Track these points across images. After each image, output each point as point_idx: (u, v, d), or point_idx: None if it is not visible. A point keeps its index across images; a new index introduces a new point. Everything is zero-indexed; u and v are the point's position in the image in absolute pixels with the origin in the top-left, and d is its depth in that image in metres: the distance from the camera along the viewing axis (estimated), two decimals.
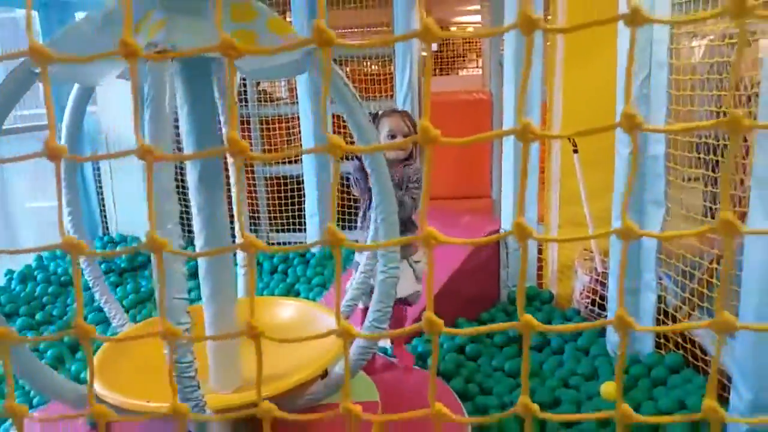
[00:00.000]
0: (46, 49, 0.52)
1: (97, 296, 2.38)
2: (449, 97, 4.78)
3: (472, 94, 5.09)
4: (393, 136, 2.42)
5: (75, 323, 0.60)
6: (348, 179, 4.33)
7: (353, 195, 4.15)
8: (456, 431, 2.10)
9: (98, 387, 1.79)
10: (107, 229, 4.80)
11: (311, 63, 1.81)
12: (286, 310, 2.41)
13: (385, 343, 2.65)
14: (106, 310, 2.41)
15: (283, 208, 4.61)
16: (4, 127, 1.72)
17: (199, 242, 2.00)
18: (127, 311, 3.38)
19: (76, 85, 2.09)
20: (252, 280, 0.63)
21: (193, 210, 1.95)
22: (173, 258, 1.44)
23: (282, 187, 4.60)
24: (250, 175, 4.65)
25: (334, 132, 4.25)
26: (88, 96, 2.15)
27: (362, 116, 1.85)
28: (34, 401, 2.49)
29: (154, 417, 1.68)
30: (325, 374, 1.96)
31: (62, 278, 3.91)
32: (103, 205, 4.90)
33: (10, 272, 3.94)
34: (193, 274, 3.24)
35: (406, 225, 2.36)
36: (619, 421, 0.58)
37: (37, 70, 1.64)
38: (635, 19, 0.49)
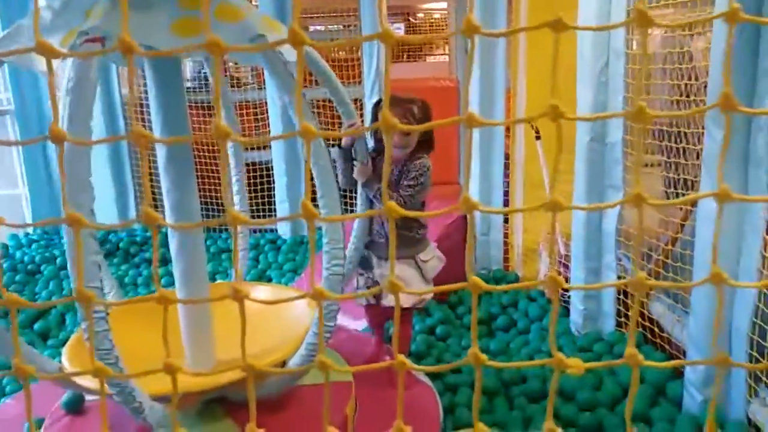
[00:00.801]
0: (53, 46, 0.56)
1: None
2: (417, 84, 4.81)
3: (439, 81, 5.14)
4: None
5: (77, 290, 0.63)
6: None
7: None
8: (430, 412, 2.18)
9: (71, 370, 1.81)
10: None
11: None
12: (260, 294, 2.45)
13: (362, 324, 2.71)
14: (105, 284, 2.43)
15: (252, 194, 4.61)
16: None
17: (171, 220, 2.02)
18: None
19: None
20: (236, 254, 0.66)
21: (163, 192, 1.97)
22: (89, 250, 1.48)
23: (251, 174, 4.59)
24: (215, 162, 4.63)
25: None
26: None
27: (346, 95, 1.93)
28: (7, 388, 2.47)
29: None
30: (283, 365, 1.97)
31: (29, 266, 3.86)
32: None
33: None
34: (166, 261, 3.25)
35: (404, 224, 2.22)
36: (556, 368, 0.64)
37: None
38: (557, 26, 0.55)
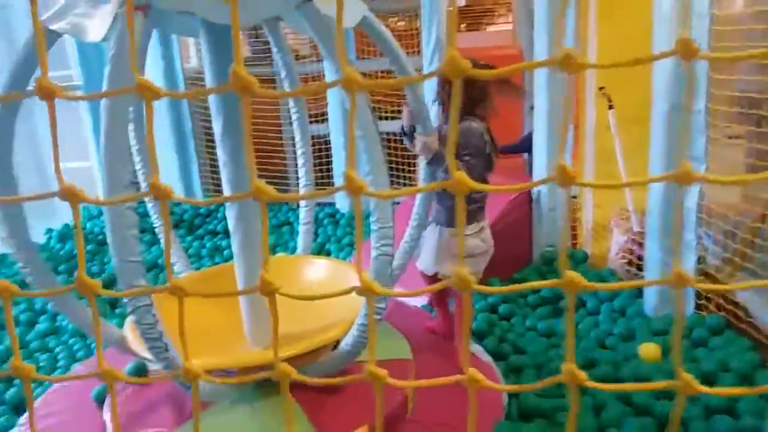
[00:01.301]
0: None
1: (162, 241, 2.45)
2: (478, 54, 4.64)
3: (501, 49, 4.94)
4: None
5: (77, 278, 0.58)
6: (390, 138, 4.28)
7: (399, 152, 4.11)
8: (493, 394, 2.10)
9: (133, 343, 1.82)
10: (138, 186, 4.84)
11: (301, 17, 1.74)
12: (316, 269, 2.42)
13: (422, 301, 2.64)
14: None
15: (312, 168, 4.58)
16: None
17: (228, 193, 2.00)
18: (162, 270, 3.43)
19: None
20: (265, 231, 0.59)
21: (220, 164, 1.95)
22: (127, 223, 1.44)
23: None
24: (277, 135, 4.63)
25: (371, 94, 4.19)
26: None
27: (407, 63, 1.84)
28: (78, 354, 2.55)
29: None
30: (336, 345, 1.93)
31: (99, 237, 3.98)
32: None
33: (49, 231, 4.02)
34: (226, 233, 3.27)
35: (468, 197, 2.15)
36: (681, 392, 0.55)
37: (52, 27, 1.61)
38: None
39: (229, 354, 1.98)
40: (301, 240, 2.64)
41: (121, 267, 1.46)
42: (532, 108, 3.85)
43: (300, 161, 2.66)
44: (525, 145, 3.79)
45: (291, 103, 2.64)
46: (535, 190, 3.30)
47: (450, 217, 2.20)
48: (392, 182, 4.12)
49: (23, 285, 2.73)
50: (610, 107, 3.00)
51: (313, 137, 4.57)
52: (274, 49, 2.49)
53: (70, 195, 0.52)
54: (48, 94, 0.50)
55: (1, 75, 1.84)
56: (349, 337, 1.77)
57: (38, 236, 4.01)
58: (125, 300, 1.50)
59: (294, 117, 2.63)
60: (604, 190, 3.15)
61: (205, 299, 2.15)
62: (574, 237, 3.29)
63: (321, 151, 4.47)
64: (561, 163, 0.53)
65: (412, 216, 2.32)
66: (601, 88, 3.03)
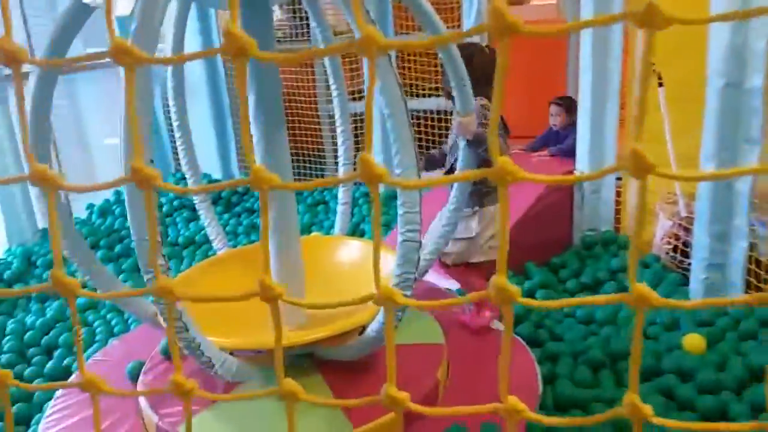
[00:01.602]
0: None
1: (202, 218, 2.51)
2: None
3: (545, 24, 4.77)
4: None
5: (52, 275, 0.55)
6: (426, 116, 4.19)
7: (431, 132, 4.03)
8: (527, 381, 2.04)
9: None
10: (179, 165, 4.90)
11: None
12: (350, 250, 2.38)
13: (450, 284, 2.59)
14: (208, 232, 2.53)
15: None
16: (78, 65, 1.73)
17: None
18: (199, 246, 3.47)
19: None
20: (264, 225, 0.55)
21: (253, 141, 1.92)
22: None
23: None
24: (313, 113, 4.59)
25: (399, 70, 4.11)
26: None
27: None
28: (116, 329, 2.60)
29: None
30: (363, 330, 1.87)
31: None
32: (174, 144, 4.98)
33: (90, 206, 4.11)
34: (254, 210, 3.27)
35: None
36: None
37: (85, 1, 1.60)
38: None
39: (260, 332, 1.97)
40: (339, 220, 2.61)
41: (139, 245, 1.48)
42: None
43: (339, 140, 2.61)
44: (548, 141, 3.72)
45: (331, 80, 2.59)
46: (577, 170, 3.18)
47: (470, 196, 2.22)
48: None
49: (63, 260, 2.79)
50: (660, 84, 2.84)
51: (353, 114, 4.54)
52: (313, 24, 2.44)
53: (41, 180, 0.48)
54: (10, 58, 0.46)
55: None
56: (375, 323, 1.73)
57: (80, 211, 4.10)
58: (146, 278, 1.49)
59: (334, 94, 2.58)
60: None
61: (242, 274, 2.15)
62: (618, 221, 3.17)
63: (358, 129, 4.42)
64: (636, 149, 0.45)
65: (450, 199, 2.26)
66: (650, 65, 2.87)
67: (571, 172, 3.17)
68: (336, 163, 4.60)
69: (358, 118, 4.39)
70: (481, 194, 2.23)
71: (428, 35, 2.06)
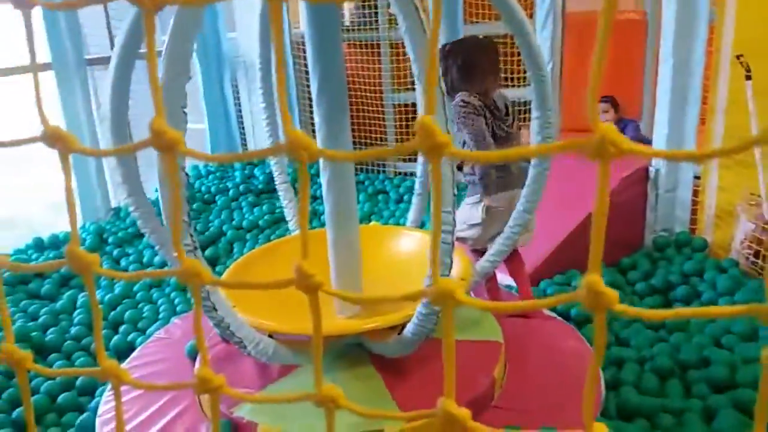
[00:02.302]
0: None
1: (281, 198, 2.53)
2: (593, 18, 4.30)
3: (623, 13, 4.56)
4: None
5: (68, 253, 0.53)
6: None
7: None
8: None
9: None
10: (247, 149, 5.00)
11: None
12: (408, 241, 2.35)
13: (510, 281, 2.51)
14: (285, 212, 2.55)
15: (400, 136, 4.50)
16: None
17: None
18: (262, 231, 3.52)
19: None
20: (304, 198, 0.51)
21: (315, 126, 1.91)
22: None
23: (410, 115, 4.47)
24: (378, 102, 4.57)
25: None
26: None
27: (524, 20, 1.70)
28: (179, 308, 2.67)
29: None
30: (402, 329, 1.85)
31: (206, 196, 4.15)
32: (242, 126, 5.09)
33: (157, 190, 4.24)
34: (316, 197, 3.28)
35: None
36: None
37: None
38: None
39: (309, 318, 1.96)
40: (413, 211, 2.57)
41: (168, 225, 1.51)
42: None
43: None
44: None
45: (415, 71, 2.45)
46: (652, 167, 3.02)
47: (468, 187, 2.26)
48: None
49: (138, 236, 2.87)
50: (748, 78, 2.65)
51: (403, 105, 4.50)
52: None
53: (56, 139, 0.45)
54: None
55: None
56: (411, 325, 1.69)
57: (150, 193, 4.24)
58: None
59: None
60: (733, 172, 2.81)
61: (299, 260, 2.15)
62: (694, 222, 2.99)
63: (409, 120, 4.37)
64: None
65: (517, 204, 2.17)
66: (738, 56, 2.68)
67: (645, 169, 3.01)
68: (398, 157, 4.61)
69: (405, 108, 4.34)
70: (488, 183, 2.16)
71: (503, 22, 1.98)
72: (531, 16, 3.84)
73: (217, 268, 3.08)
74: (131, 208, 1.86)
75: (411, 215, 2.59)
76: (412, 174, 4.45)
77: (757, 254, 2.58)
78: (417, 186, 2.60)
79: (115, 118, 1.79)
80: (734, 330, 2.21)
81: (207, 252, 3.23)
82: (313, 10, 1.80)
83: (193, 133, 5.28)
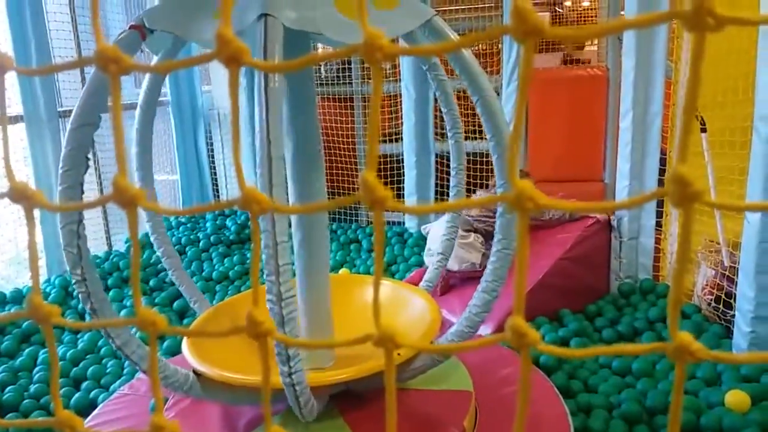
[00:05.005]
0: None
1: (174, 279, 2.36)
2: (562, 73, 4.50)
3: (586, 69, 4.76)
4: None
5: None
6: (440, 158, 4.21)
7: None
8: (558, 428, 1.96)
9: (195, 362, 1.81)
10: (219, 200, 5.00)
11: (428, 33, 1.70)
12: (381, 290, 2.35)
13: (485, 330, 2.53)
14: (185, 294, 2.39)
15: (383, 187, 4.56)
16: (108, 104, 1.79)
17: (294, 216, 1.98)
18: (232, 282, 3.49)
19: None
20: (256, 247, 0.53)
21: (289, 182, 1.93)
22: (71, 218, 1.48)
23: (382, 166, 4.55)
24: (351, 153, 4.65)
25: (435, 112, 4.13)
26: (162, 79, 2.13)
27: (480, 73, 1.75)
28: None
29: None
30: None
31: (176, 247, 4.12)
32: (215, 177, 5.11)
33: (129, 240, 4.20)
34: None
35: None
36: None
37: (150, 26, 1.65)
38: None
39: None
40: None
41: (65, 253, 1.62)
42: None
43: (452, 181, 2.44)
44: None
45: (447, 120, 2.40)
46: (615, 216, 3.11)
47: None
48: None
49: (105, 289, 2.81)
50: (703, 130, 2.78)
51: (385, 156, 4.59)
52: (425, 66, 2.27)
53: (22, 197, 0.46)
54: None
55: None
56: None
57: (120, 245, 4.20)
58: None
59: (449, 134, 2.43)
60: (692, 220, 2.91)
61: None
62: (657, 269, 3.06)
63: (393, 170, 4.45)
64: (680, 172, 0.36)
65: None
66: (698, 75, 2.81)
67: (608, 220, 3.10)
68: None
69: (390, 159, 4.43)
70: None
71: (466, 84, 2.01)
72: (498, 72, 3.99)
73: (185, 320, 3.04)
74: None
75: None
76: (386, 223, 4.51)
77: (717, 299, 2.64)
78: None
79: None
80: (698, 375, 2.25)
81: (176, 303, 3.18)
82: (288, 56, 1.83)
83: (166, 184, 5.29)
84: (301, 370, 1.50)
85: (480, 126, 4.03)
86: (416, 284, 3.09)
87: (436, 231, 2.83)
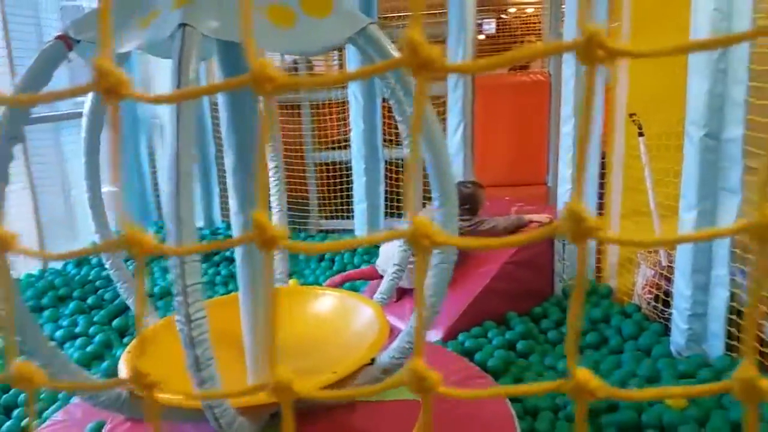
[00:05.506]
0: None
1: (122, 293, 2.32)
2: (506, 79, 4.57)
3: (529, 75, 4.86)
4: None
5: None
6: (391, 164, 4.21)
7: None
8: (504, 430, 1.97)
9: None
10: (161, 214, 4.87)
11: (363, 42, 1.68)
12: (324, 302, 2.32)
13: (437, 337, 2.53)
14: (134, 307, 2.37)
15: (332, 194, 4.54)
16: (48, 114, 1.71)
17: (236, 225, 1.93)
18: (161, 297, 3.39)
19: None
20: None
21: (229, 194, 1.88)
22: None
23: (331, 174, 4.53)
24: (299, 161, 4.60)
25: (383, 119, 4.13)
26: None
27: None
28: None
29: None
30: (371, 362, 1.83)
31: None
32: (158, 189, 4.97)
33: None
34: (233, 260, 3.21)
35: None
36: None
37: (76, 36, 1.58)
38: None
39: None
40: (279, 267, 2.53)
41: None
42: None
43: (273, 189, 2.50)
44: None
45: (402, 129, 2.38)
46: (559, 219, 3.17)
47: None
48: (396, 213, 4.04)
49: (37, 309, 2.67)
50: (640, 135, 2.86)
51: (334, 163, 4.56)
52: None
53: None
54: None
55: None
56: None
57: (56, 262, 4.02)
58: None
59: (269, 144, 2.48)
60: (632, 221, 3.00)
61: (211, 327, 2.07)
62: (599, 270, 3.14)
63: (342, 177, 4.43)
64: (572, 208, 0.38)
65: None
66: (631, 115, 2.90)
67: (551, 221, 3.15)
68: (320, 214, 4.62)
69: (338, 166, 4.42)
70: None
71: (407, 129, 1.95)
72: (443, 78, 4.02)
73: (125, 339, 2.93)
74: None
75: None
76: (335, 231, 4.48)
77: (656, 298, 2.72)
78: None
79: None
80: (639, 373, 2.31)
81: (116, 322, 3.07)
82: (226, 68, 1.77)
83: (105, 195, 5.11)
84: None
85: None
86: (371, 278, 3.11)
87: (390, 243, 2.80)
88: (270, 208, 2.55)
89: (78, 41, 1.55)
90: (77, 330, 3.00)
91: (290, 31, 1.43)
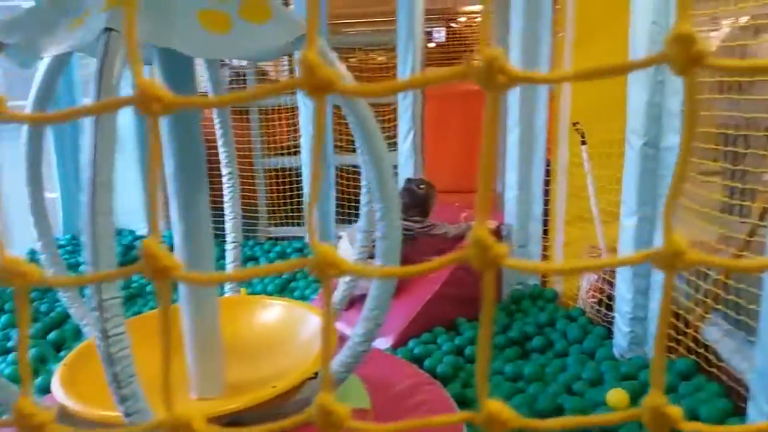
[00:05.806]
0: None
1: (66, 302, 2.26)
2: (454, 89, 4.62)
3: (473, 84, 4.92)
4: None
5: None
6: (341, 170, 4.19)
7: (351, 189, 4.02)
8: None
9: (64, 398, 1.67)
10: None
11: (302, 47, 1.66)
12: (271, 311, 2.28)
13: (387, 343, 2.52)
14: (75, 317, 2.30)
15: (281, 201, 4.48)
16: None
17: (177, 236, 1.87)
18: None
19: (46, 61, 1.92)
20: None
21: (169, 196, 1.83)
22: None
23: (281, 180, 4.47)
24: (248, 167, 4.52)
25: (333, 125, 4.11)
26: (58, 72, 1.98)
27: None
28: None
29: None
30: (315, 375, 1.80)
31: None
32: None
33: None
34: None
35: None
36: None
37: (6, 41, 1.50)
38: None
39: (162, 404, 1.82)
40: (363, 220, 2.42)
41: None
42: None
43: (227, 195, 2.51)
44: None
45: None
46: (505, 224, 3.23)
47: None
48: (345, 218, 4.03)
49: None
50: (583, 143, 2.94)
51: (284, 169, 4.50)
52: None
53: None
54: None
55: None
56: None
57: None
58: None
59: (222, 150, 2.49)
60: (575, 227, 3.08)
61: (146, 341, 1.99)
62: (544, 275, 3.20)
63: (292, 183, 4.38)
64: (478, 235, 0.37)
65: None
66: (574, 124, 2.98)
67: (499, 226, 3.21)
68: (269, 221, 4.54)
69: (288, 172, 4.37)
70: None
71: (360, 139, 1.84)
72: (395, 129, 4.00)
73: (61, 353, 2.81)
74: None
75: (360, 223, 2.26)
76: (284, 238, 4.42)
77: (600, 302, 2.79)
78: (231, 256, 2.51)
79: None
80: (584, 376, 2.36)
81: (52, 335, 2.93)
82: (167, 77, 1.72)
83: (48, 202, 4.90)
84: (140, 411, 1.36)
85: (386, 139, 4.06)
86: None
87: (346, 249, 2.74)
88: (223, 215, 2.50)
89: (7, 44, 1.47)
90: (9, 344, 2.86)
91: (224, 37, 1.40)
